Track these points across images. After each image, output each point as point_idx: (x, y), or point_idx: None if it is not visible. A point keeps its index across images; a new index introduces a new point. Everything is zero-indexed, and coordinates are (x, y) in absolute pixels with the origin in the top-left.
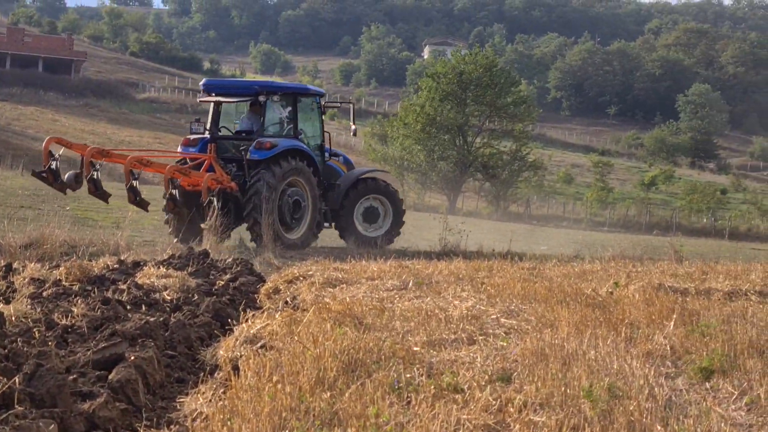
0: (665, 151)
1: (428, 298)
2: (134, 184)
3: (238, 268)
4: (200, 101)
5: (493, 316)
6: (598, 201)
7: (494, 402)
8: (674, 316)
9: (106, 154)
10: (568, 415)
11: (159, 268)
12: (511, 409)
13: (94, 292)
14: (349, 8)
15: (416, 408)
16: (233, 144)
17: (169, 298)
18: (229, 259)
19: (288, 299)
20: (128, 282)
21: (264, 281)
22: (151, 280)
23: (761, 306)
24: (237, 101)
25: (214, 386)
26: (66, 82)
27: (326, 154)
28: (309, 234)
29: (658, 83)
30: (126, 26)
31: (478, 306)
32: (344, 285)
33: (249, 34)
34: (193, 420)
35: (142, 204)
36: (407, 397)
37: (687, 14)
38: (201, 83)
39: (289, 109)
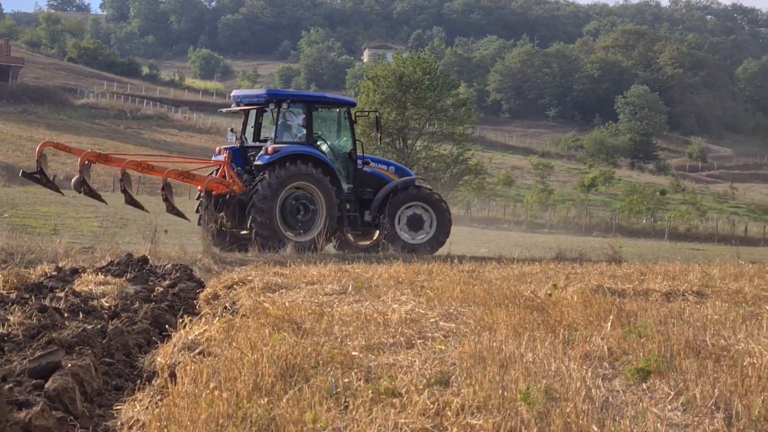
0: (605, 152)
1: (367, 302)
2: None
3: (178, 274)
4: (219, 111)
5: (431, 320)
6: (539, 203)
7: (432, 406)
8: (611, 317)
9: (105, 158)
10: (505, 418)
11: (97, 275)
12: (449, 413)
13: (31, 300)
14: (288, 12)
15: (354, 413)
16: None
17: (107, 305)
18: (169, 265)
19: (227, 305)
20: (66, 289)
21: (203, 287)
22: (90, 287)
23: (698, 306)
24: (248, 109)
25: (152, 393)
26: (3, 89)
27: (359, 162)
28: (320, 237)
29: (596, 85)
30: (64, 32)
31: (417, 309)
32: (284, 290)
33: (188, 38)
34: (130, 428)
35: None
36: (345, 401)
37: (625, 16)
38: (231, 95)
39: (303, 116)
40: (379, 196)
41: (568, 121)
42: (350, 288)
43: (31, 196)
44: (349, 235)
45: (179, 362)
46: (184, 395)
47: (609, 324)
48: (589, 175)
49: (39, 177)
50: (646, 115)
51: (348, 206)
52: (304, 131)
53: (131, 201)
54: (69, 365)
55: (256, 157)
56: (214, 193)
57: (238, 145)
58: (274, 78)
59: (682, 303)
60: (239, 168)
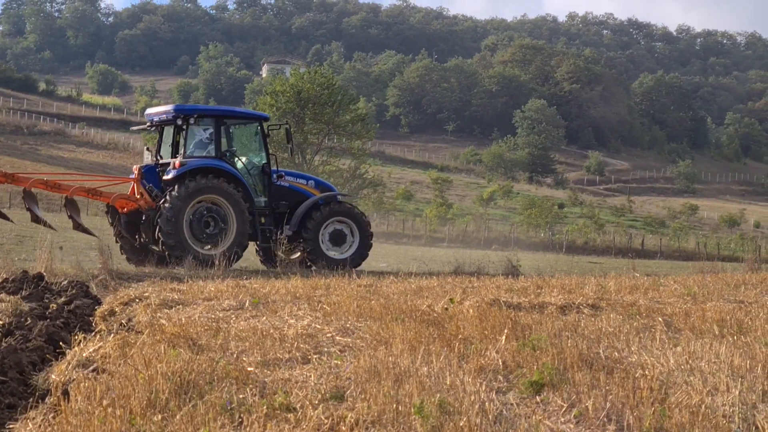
0: (503, 166)
1: (264, 318)
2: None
3: (73, 291)
4: (131, 130)
5: (328, 335)
6: (438, 217)
7: (326, 421)
8: (506, 331)
9: (11, 177)
10: None
11: None
12: (343, 428)
13: None
14: (186, 27)
15: (248, 428)
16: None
17: (0, 322)
18: (65, 282)
19: (123, 321)
20: None
21: (100, 304)
22: None
23: (593, 319)
24: (162, 127)
25: (44, 411)
26: None
27: (273, 176)
28: (230, 251)
29: (495, 99)
30: None
31: (313, 324)
32: (180, 306)
33: (85, 54)
34: None
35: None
36: (239, 417)
37: (522, 31)
38: (145, 113)
39: (210, 131)
40: (299, 211)
41: (466, 135)
42: (247, 303)
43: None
44: (278, 251)
45: (73, 380)
46: (77, 413)
47: (504, 337)
48: (488, 189)
49: None
50: (544, 129)
51: (263, 220)
52: (213, 146)
53: (37, 219)
54: None
55: (165, 172)
56: (124, 210)
57: (154, 163)
58: (172, 93)
59: (577, 316)
60: (152, 185)
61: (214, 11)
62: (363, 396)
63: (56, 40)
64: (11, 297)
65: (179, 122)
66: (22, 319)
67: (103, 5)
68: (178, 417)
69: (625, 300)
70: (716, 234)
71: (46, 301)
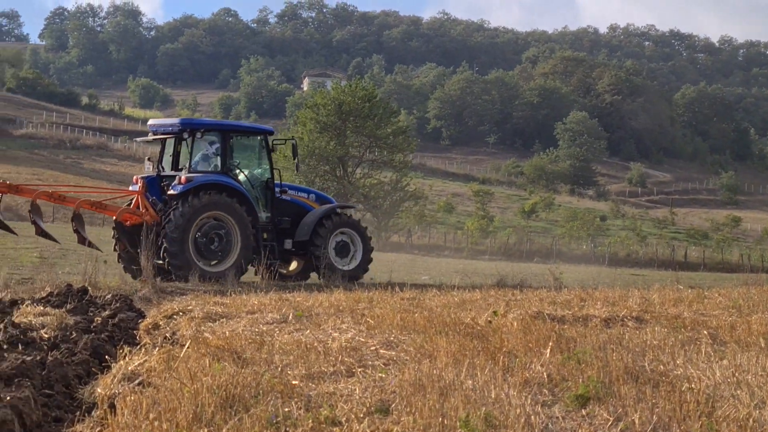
0: (545, 178)
1: (308, 331)
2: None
3: (118, 305)
4: (135, 141)
5: (372, 348)
6: (479, 230)
7: None
8: (551, 344)
9: (15, 189)
10: None
11: (37, 306)
12: None
13: None
14: (227, 41)
15: None
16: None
17: (46, 336)
18: (108, 296)
19: (167, 335)
20: (5, 321)
21: (144, 317)
22: (29, 318)
23: (637, 332)
24: (165, 138)
25: (91, 425)
26: None
27: (277, 190)
28: (235, 267)
29: (536, 111)
30: (2, 62)
31: (357, 338)
32: (224, 319)
33: (127, 68)
34: None
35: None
36: (285, 431)
37: (563, 42)
38: (148, 124)
39: (217, 145)
40: (308, 221)
41: (508, 147)
42: (290, 317)
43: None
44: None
45: (119, 393)
46: (123, 426)
47: (548, 350)
48: (530, 202)
49: None
50: (586, 141)
51: (265, 235)
52: (219, 160)
53: (42, 232)
54: (8, 398)
55: (170, 187)
56: (128, 223)
57: (155, 174)
58: (214, 107)
59: (622, 328)
60: (155, 197)
61: (255, 25)
62: (408, 409)
63: (99, 55)
64: (56, 310)
65: (185, 136)
66: (68, 333)
67: (145, 19)
68: (224, 431)
69: (670, 313)
70: (760, 246)
71: (91, 314)
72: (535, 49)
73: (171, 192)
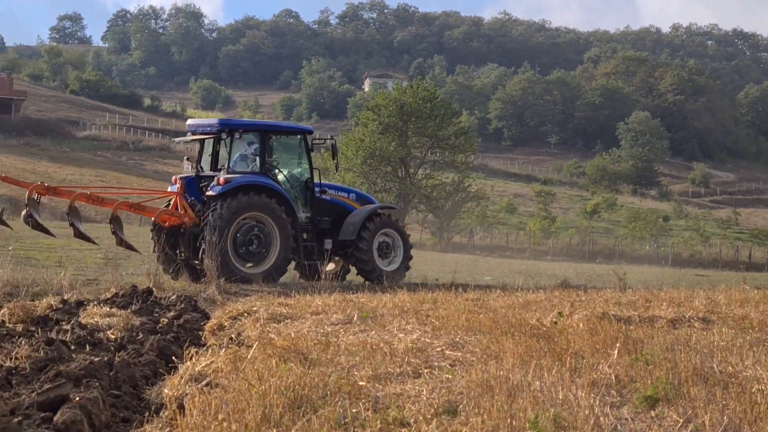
0: (607, 179)
1: (373, 332)
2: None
3: (182, 305)
4: (173, 141)
5: (438, 349)
6: (541, 230)
7: None
8: (618, 345)
9: (53, 190)
10: None
11: (103, 307)
12: None
13: (37, 333)
14: (289, 42)
15: None
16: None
17: (113, 337)
18: (173, 297)
19: (233, 336)
20: (72, 322)
21: (208, 318)
22: (95, 319)
23: (705, 333)
24: (204, 138)
25: (160, 425)
26: (6, 122)
27: (316, 189)
28: (274, 269)
29: (598, 111)
30: (65, 64)
31: (423, 338)
32: (289, 320)
33: (189, 69)
34: None
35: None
36: None
37: (625, 42)
38: (187, 124)
39: (256, 145)
40: (353, 221)
41: (569, 147)
42: (355, 317)
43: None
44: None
45: (187, 394)
46: (192, 427)
47: (616, 352)
48: (592, 202)
49: None
50: (648, 141)
51: (305, 235)
52: (258, 161)
53: (80, 234)
54: (77, 398)
55: (209, 188)
56: (166, 224)
57: (194, 175)
58: (275, 108)
59: (689, 329)
60: (193, 198)
61: (316, 26)
62: (476, 410)
63: (161, 57)
64: (122, 311)
65: (224, 136)
66: (134, 334)
67: (206, 21)
68: (292, 431)
69: (736, 313)
70: None
71: (156, 315)
72: (597, 48)
73: (210, 193)
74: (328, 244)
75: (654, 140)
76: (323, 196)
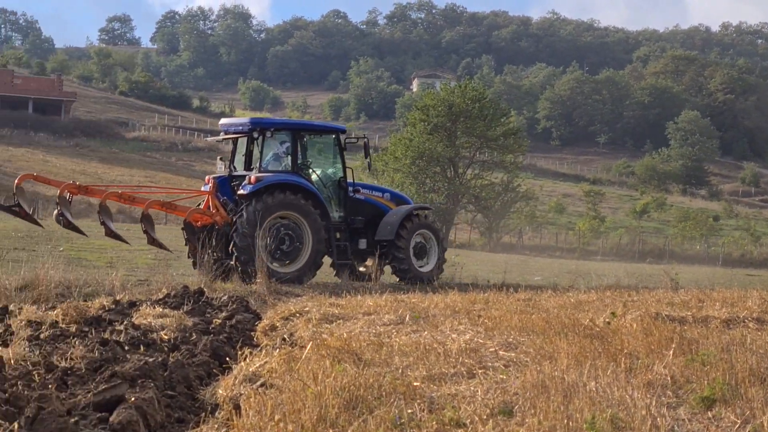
0: (656, 178)
1: (426, 332)
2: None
3: (234, 306)
4: (205, 140)
5: (491, 349)
6: (590, 230)
7: None
8: (673, 345)
9: (84, 189)
10: None
11: (155, 307)
12: None
13: (91, 333)
14: (337, 43)
15: None
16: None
17: (166, 337)
18: (224, 297)
19: (285, 336)
20: (125, 322)
21: (260, 318)
22: (148, 320)
23: (760, 333)
24: (237, 138)
25: (216, 426)
26: (56, 123)
27: (350, 189)
28: (306, 268)
29: (647, 111)
30: (115, 66)
31: (476, 339)
32: (341, 320)
33: (237, 70)
34: None
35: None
36: None
37: (674, 41)
38: (219, 123)
39: (287, 144)
40: (390, 221)
41: (618, 147)
42: (407, 318)
43: (85, 229)
44: (360, 264)
45: (241, 394)
46: (249, 427)
47: (671, 352)
48: (641, 202)
49: (17, 210)
50: (698, 140)
51: (338, 235)
52: (289, 160)
53: (111, 233)
54: (133, 398)
55: (240, 187)
56: (198, 223)
57: (227, 174)
58: (323, 108)
59: (743, 330)
60: (226, 198)
61: (364, 26)
62: (532, 411)
63: (209, 57)
64: (175, 312)
65: (255, 135)
66: (187, 334)
67: (255, 22)
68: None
69: None
70: None
71: (208, 315)
72: (646, 48)
73: (241, 192)
74: (363, 243)
75: (704, 140)
76: (357, 196)
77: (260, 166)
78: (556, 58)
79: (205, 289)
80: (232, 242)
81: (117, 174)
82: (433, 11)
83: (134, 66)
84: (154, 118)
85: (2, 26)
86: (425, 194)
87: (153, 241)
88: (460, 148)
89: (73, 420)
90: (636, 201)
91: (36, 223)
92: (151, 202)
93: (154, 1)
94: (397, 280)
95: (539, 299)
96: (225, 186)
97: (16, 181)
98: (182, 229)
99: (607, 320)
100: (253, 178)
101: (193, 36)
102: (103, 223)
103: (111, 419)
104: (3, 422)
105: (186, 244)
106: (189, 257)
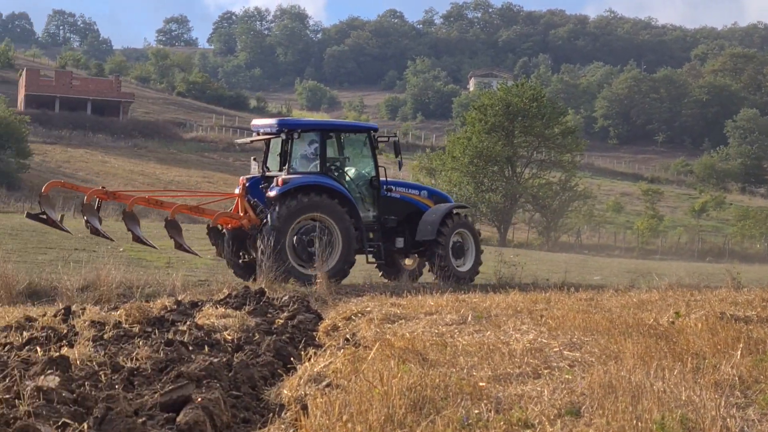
0: (715, 177)
1: (488, 332)
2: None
3: (295, 306)
4: (235, 142)
5: (555, 349)
6: (649, 229)
7: None
8: (740, 345)
9: (112, 195)
10: None
11: (217, 307)
12: None
13: (154, 334)
14: (393, 42)
15: None
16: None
17: (229, 338)
18: (285, 297)
19: (348, 336)
20: (188, 323)
21: (321, 318)
22: (211, 320)
23: None
24: (269, 138)
25: (283, 426)
26: (114, 124)
27: (383, 188)
28: (336, 270)
29: (705, 109)
30: (172, 66)
31: (539, 339)
32: (403, 320)
33: (294, 70)
34: None
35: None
36: None
37: (733, 39)
38: (251, 124)
39: (316, 145)
40: (430, 220)
41: (676, 146)
42: (469, 318)
43: (144, 230)
44: (403, 260)
45: (306, 395)
46: (317, 428)
47: (738, 352)
48: (700, 200)
49: (45, 218)
50: (757, 138)
51: (371, 235)
52: (318, 160)
53: (138, 239)
54: (199, 399)
55: (269, 188)
56: (228, 227)
57: (260, 175)
58: (380, 108)
59: None
60: (256, 200)
61: (420, 26)
62: (600, 412)
63: (266, 58)
64: (237, 312)
65: (283, 136)
66: (250, 334)
67: (311, 22)
68: None
69: None
70: None
71: (270, 316)
72: (704, 46)
73: (269, 194)
74: (400, 242)
75: (763, 138)
76: (392, 194)
77: (289, 167)
78: (613, 57)
79: (266, 290)
80: (260, 244)
81: (174, 174)
82: (490, 10)
83: (191, 67)
84: (211, 118)
85: (61, 28)
86: (483, 193)
87: (180, 246)
88: (518, 148)
89: (140, 420)
90: (694, 200)
91: (64, 229)
92: (178, 207)
93: (209, 2)
94: (434, 278)
95: (601, 299)
96: (256, 187)
97: (42, 189)
98: (207, 234)
99: (671, 320)
100: (280, 180)
101: (249, 36)
102: (129, 229)
103: (178, 420)
104: (72, 422)
105: (217, 250)
106: (219, 257)
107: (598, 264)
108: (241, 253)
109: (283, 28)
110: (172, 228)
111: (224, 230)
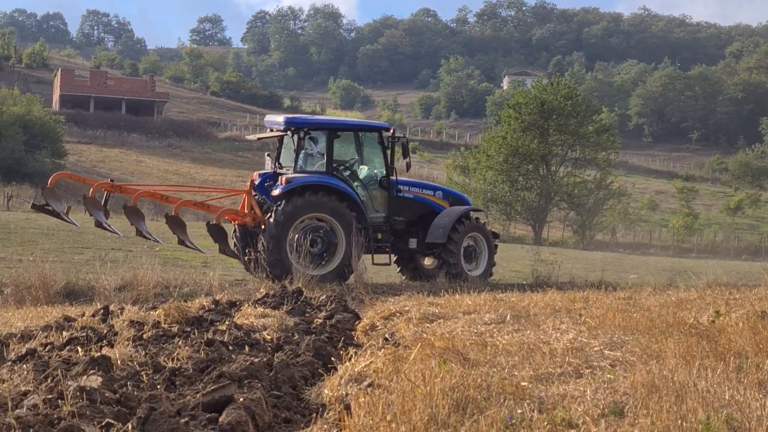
0: (750, 174)
1: (528, 331)
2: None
3: (333, 305)
4: (248, 138)
5: (596, 349)
6: (684, 227)
7: None
8: None
9: (119, 188)
10: None
11: (256, 307)
12: None
13: (194, 334)
14: (427, 41)
15: None
16: None
17: (269, 337)
18: (323, 297)
19: (387, 336)
20: (227, 322)
21: (359, 318)
22: (250, 320)
23: None
24: (271, 136)
25: (326, 426)
26: (149, 124)
27: (394, 188)
28: (339, 270)
29: (740, 106)
30: (206, 66)
31: (579, 338)
32: (441, 320)
33: (328, 70)
34: None
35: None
36: None
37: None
38: (264, 120)
39: (323, 144)
40: (442, 223)
41: (711, 143)
42: (508, 317)
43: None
44: (422, 260)
45: (348, 394)
46: (360, 428)
47: None
48: (735, 198)
49: (51, 210)
50: None
51: (379, 236)
52: (325, 159)
53: (142, 234)
54: (241, 399)
55: (273, 187)
56: (235, 223)
57: (272, 171)
58: (414, 107)
59: None
60: (264, 197)
61: (454, 24)
62: (644, 411)
63: (300, 57)
64: (275, 312)
65: (290, 134)
66: (289, 334)
67: (345, 21)
68: None
69: None
70: None
71: (308, 315)
72: (739, 43)
73: (273, 192)
74: (413, 243)
75: None
76: (404, 195)
77: (295, 165)
78: (647, 55)
79: (303, 289)
80: (261, 243)
81: (209, 174)
82: (523, 9)
83: (225, 66)
84: (245, 118)
85: (95, 28)
86: (518, 192)
87: (182, 243)
88: (553, 146)
89: (183, 420)
90: (730, 197)
91: (70, 222)
92: (182, 202)
93: (241, 2)
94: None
95: (639, 297)
96: (265, 184)
97: (49, 181)
98: (207, 231)
99: (711, 319)
100: (284, 179)
101: (283, 36)
102: (133, 224)
103: (220, 420)
104: (116, 422)
105: (234, 244)
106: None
107: (634, 262)
108: (248, 250)
109: (316, 28)
110: (175, 224)
111: (234, 225)
